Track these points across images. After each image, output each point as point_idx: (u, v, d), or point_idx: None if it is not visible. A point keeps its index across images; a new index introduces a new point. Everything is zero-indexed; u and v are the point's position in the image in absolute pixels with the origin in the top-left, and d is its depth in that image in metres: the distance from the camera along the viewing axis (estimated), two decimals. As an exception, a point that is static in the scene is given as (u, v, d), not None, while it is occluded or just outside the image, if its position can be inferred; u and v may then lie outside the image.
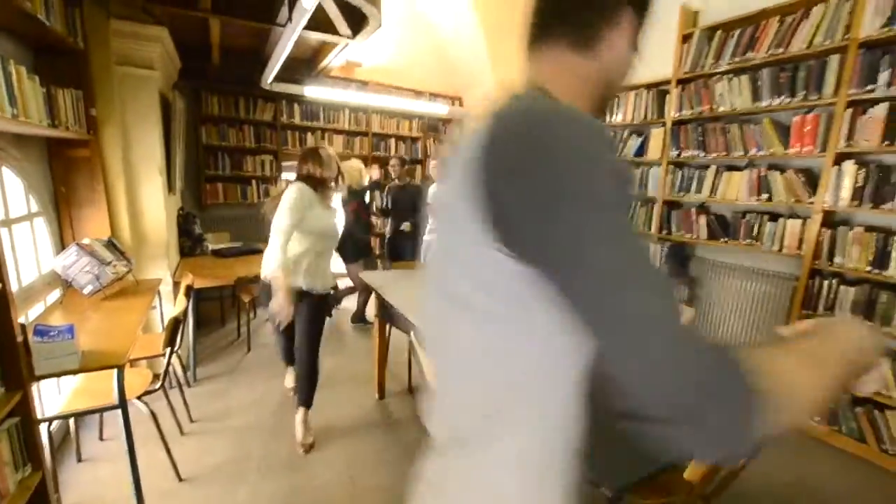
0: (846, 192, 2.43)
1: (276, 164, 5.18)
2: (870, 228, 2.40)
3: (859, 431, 2.42)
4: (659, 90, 3.45)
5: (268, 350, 3.49)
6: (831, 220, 2.58)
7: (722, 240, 3.09)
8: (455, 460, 0.59)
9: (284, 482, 2.06)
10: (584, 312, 0.44)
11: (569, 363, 0.54)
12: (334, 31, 3.05)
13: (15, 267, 2.03)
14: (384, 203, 4.24)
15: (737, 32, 2.88)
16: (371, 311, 3.66)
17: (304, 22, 2.55)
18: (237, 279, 3.31)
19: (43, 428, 1.61)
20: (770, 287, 2.96)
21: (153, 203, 2.95)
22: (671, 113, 3.32)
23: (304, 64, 4.65)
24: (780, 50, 2.65)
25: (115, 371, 1.66)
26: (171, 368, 2.21)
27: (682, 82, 3.24)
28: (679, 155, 3.31)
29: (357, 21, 2.93)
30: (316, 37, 3.19)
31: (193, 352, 3.04)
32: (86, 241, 2.38)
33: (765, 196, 2.81)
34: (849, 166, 2.42)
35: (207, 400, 2.73)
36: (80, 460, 2.13)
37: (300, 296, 2.24)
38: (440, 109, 5.97)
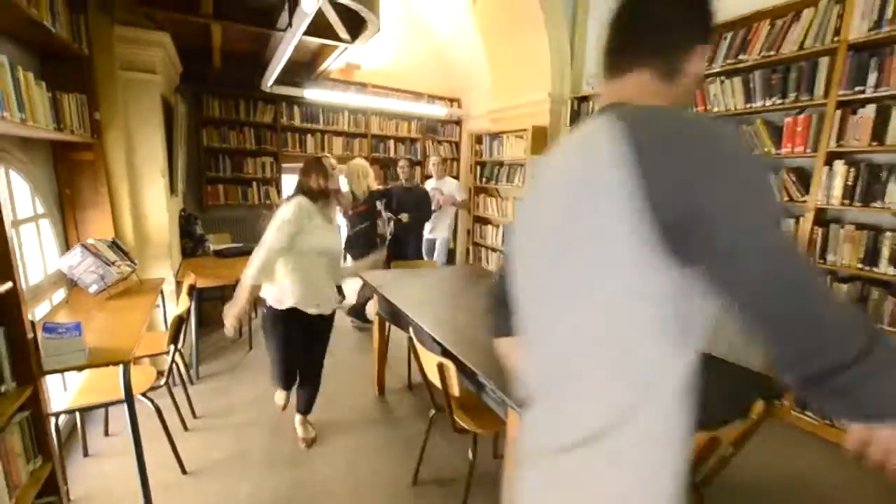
0: (837, 190, 2.48)
1: (276, 165, 5.24)
2: (860, 226, 2.45)
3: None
4: (654, 91, 3.50)
5: (269, 349, 3.53)
6: (823, 219, 2.62)
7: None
8: (588, 454, 0.63)
9: (286, 476, 2.11)
10: (759, 300, 0.53)
11: (691, 351, 0.61)
12: (334, 36, 3.10)
13: (22, 267, 2.07)
14: (392, 205, 4.16)
15: (729, 35, 2.93)
16: (371, 309, 3.70)
17: (304, 27, 2.61)
18: (238, 279, 3.35)
19: (51, 423, 1.65)
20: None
21: (156, 205, 3.00)
22: (666, 114, 3.36)
23: (304, 67, 4.71)
24: (772, 52, 2.69)
25: (121, 367, 1.70)
26: (174, 366, 2.26)
27: (677, 83, 3.28)
28: (674, 155, 3.35)
29: (356, 25, 2.98)
30: (315, 41, 3.24)
31: (196, 350, 3.09)
32: (90, 241, 2.43)
33: (758, 195, 2.86)
34: (839, 166, 2.46)
35: (210, 397, 2.78)
36: (86, 455, 2.18)
37: (316, 320, 2.19)
38: (439, 111, 6.03)
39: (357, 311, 4.08)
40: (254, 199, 5.14)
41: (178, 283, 3.09)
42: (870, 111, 2.32)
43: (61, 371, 1.60)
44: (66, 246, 2.56)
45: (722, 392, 1.54)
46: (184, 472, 2.11)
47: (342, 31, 3.05)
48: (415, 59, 5.92)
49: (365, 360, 3.14)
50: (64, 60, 2.38)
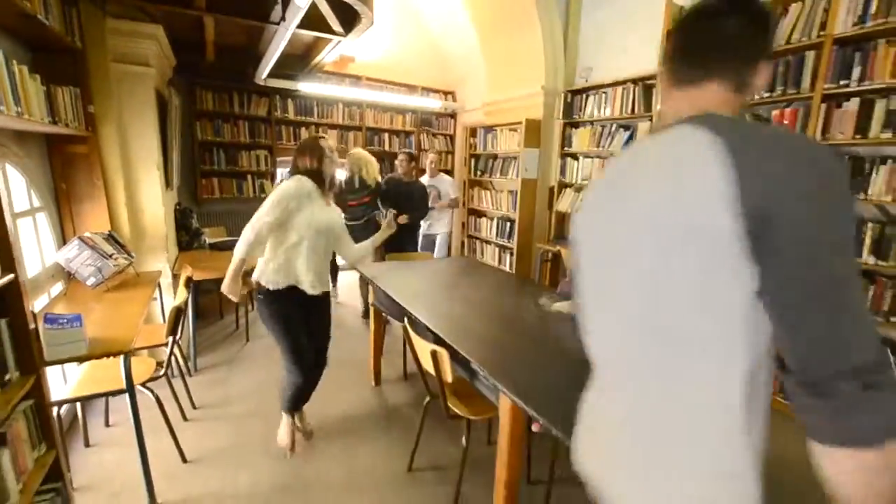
0: (821, 182, 2.53)
1: (270, 158, 5.24)
2: (844, 218, 2.51)
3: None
4: (645, 84, 3.54)
5: (266, 340, 3.56)
6: (808, 210, 2.68)
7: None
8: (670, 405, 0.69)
9: (285, 465, 2.15)
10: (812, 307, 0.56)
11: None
12: (327, 29, 3.11)
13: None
14: (391, 199, 4.13)
15: (719, 28, 2.96)
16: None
17: (297, 20, 2.62)
18: (235, 272, 3.39)
19: (53, 411, 1.69)
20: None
21: (151, 198, 3.01)
22: (658, 107, 3.41)
23: (298, 59, 4.70)
24: (760, 46, 2.74)
25: (121, 357, 1.73)
26: (172, 357, 2.30)
27: (668, 77, 3.32)
28: (665, 148, 3.40)
29: (350, 19, 2.99)
30: (309, 34, 3.25)
31: (194, 342, 3.12)
32: (87, 234, 2.45)
33: (746, 187, 2.91)
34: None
35: (208, 388, 2.82)
36: (87, 445, 2.22)
37: (313, 300, 2.13)
38: (433, 104, 6.04)
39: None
40: (249, 192, 5.15)
41: (175, 276, 3.12)
42: (854, 105, 2.37)
43: (63, 361, 1.63)
44: (63, 239, 2.58)
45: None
46: (184, 460, 2.15)
47: (336, 25, 3.06)
48: (409, 51, 5.92)
49: (361, 351, 3.18)
50: (57, 53, 2.38)
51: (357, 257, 2.35)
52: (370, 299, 2.87)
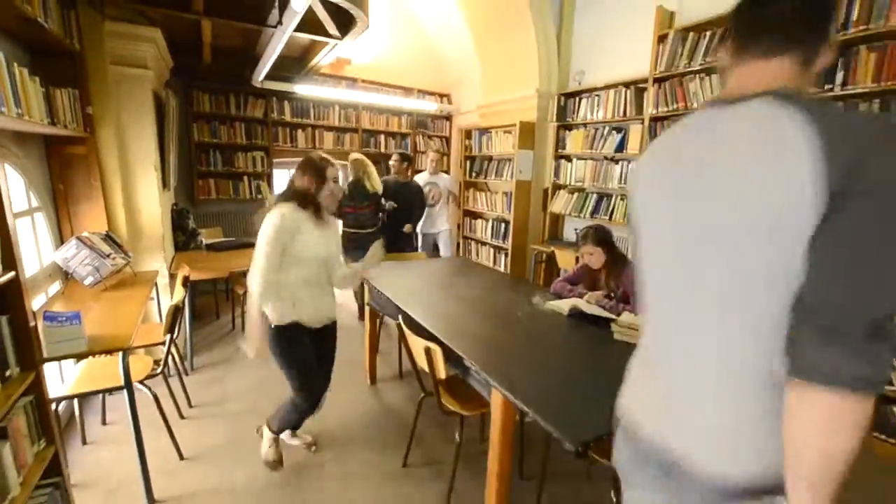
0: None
1: (267, 160, 5.26)
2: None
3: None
4: (637, 88, 3.60)
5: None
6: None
7: (696, 231, 3.25)
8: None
9: (280, 461, 2.18)
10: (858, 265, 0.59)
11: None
12: (323, 32, 3.15)
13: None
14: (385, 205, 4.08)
15: (708, 34, 3.03)
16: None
17: (294, 24, 2.65)
18: (231, 272, 3.42)
19: (52, 407, 1.71)
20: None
21: (148, 198, 3.04)
22: (649, 110, 3.47)
23: (294, 62, 4.73)
24: (748, 50, 2.80)
25: (120, 354, 1.76)
26: (170, 356, 2.32)
27: (659, 80, 3.39)
28: (656, 150, 3.46)
29: (345, 22, 3.03)
30: (305, 37, 3.29)
31: (190, 342, 3.15)
32: (85, 234, 2.47)
33: (735, 189, 2.97)
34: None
35: (205, 387, 2.84)
36: (84, 443, 2.24)
37: (321, 329, 2.05)
38: (429, 106, 6.09)
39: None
40: (245, 193, 5.17)
41: (172, 276, 3.14)
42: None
43: (62, 357, 1.66)
44: (61, 239, 2.60)
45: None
46: (181, 457, 2.17)
47: (332, 28, 3.10)
48: (405, 54, 5.97)
49: (357, 352, 3.21)
50: (56, 56, 2.41)
51: (341, 281, 2.15)
52: (366, 299, 2.90)
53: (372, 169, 3.85)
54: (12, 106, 1.73)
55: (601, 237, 2.30)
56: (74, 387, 1.96)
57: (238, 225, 5.10)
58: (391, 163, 4.29)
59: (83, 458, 2.14)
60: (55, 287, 2.47)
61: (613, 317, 1.96)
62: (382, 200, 3.96)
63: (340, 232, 2.16)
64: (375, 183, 3.84)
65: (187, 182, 4.85)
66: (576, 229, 4.46)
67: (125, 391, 1.84)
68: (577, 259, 3.52)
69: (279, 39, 3.06)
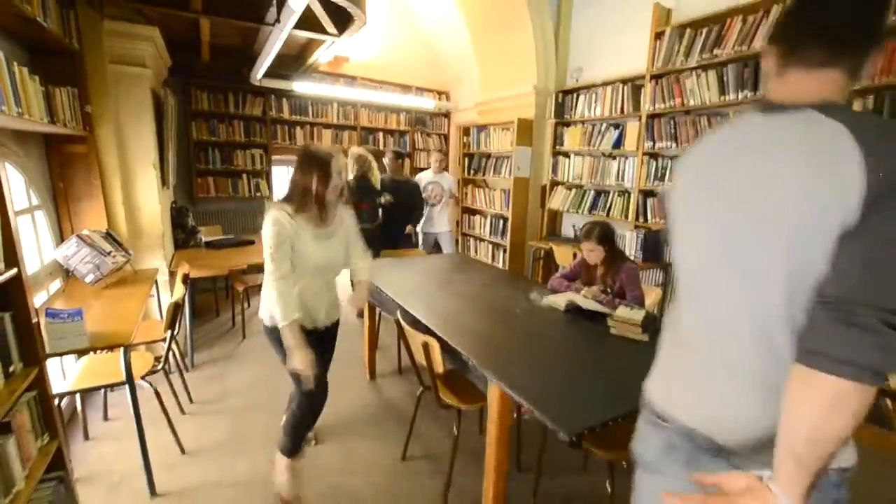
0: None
1: (266, 157, 5.28)
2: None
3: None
4: (634, 85, 3.61)
5: (262, 337, 3.59)
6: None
7: (693, 227, 3.27)
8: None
9: (281, 455, 2.21)
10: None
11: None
12: (321, 30, 3.16)
13: (20, 257, 2.14)
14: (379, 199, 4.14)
15: (704, 30, 3.04)
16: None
17: (292, 22, 2.67)
18: (230, 269, 3.44)
19: (55, 402, 1.74)
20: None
21: (148, 196, 3.05)
22: (646, 107, 3.48)
23: (293, 59, 4.74)
24: (744, 47, 2.81)
25: (121, 350, 1.78)
26: (170, 352, 2.34)
27: (656, 77, 3.40)
28: (654, 146, 3.48)
29: (343, 19, 3.04)
30: (303, 35, 3.30)
31: (191, 339, 3.17)
32: (85, 232, 2.49)
33: (731, 185, 2.99)
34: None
35: (206, 383, 2.87)
36: (87, 439, 2.27)
37: (320, 334, 1.92)
38: (427, 103, 6.10)
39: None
40: (244, 191, 5.19)
41: (172, 274, 3.16)
42: (832, 104, 2.45)
43: (65, 353, 1.68)
44: (61, 237, 2.62)
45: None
46: (183, 452, 2.20)
47: (329, 26, 3.11)
48: (403, 51, 5.97)
49: (357, 348, 3.24)
50: (55, 55, 2.42)
51: (358, 273, 2.09)
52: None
53: (374, 164, 3.86)
54: (12, 105, 1.74)
55: (604, 235, 2.29)
56: (76, 382, 1.99)
57: (237, 223, 5.12)
58: (386, 161, 4.30)
59: (86, 453, 2.17)
60: (56, 284, 2.49)
61: (609, 311, 1.99)
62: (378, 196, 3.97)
63: (351, 223, 2.01)
64: (376, 179, 3.85)
65: (186, 180, 4.87)
66: (574, 225, 4.48)
67: (127, 387, 1.87)
68: (574, 255, 3.54)
69: (277, 37, 3.07)
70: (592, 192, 4.11)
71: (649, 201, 3.57)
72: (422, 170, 6.38)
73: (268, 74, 4.49)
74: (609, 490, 1.59)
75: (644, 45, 3.45)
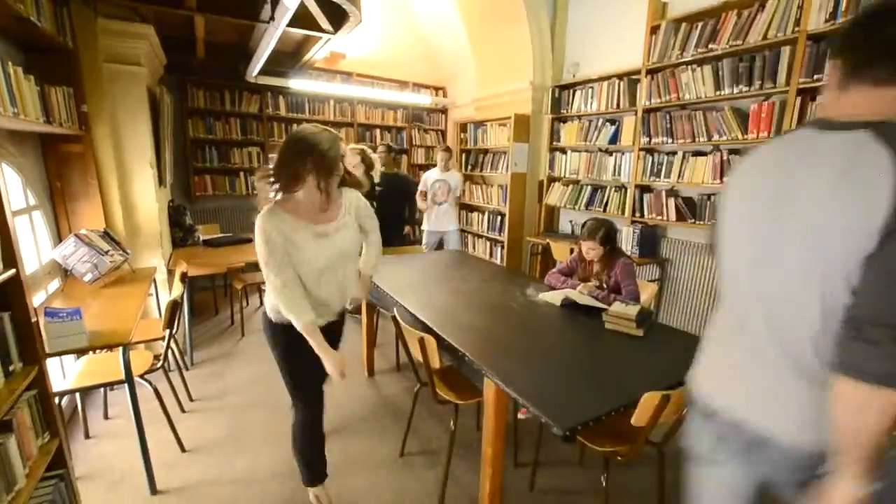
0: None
1: (263, 155, 5.27)
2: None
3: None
4: (630, 79, 3.61)
5: (261, 335, 3.60)
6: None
7: (689, 221, 3.29)
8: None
9: (281, 451, 2.22)
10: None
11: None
12: (316, 27, 3.15)
13: (18, 257, 2.14)
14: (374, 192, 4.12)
15: (700, 24, 3.04)
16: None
17: (286, 20, 2.66)
18: (229, 267, 3.45)
19: (55, 401, 1.75)
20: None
21: (145, 195, 3.05)
22: (642, 101, 3.49)
23: (289, 57, 4.72)
24: (739, 41, 2.82)
25: (120, 349, 1.79)
26: (170, 350, 2.36)
27: (652, 72, 3.40)
28: (650, 141, 3.49)
29: (338, 17, 3.03)
30: (298, 32, 3.29)
31: (190, 337, 3.18)
32: (83, 231, 2.49)
33: (727, 179, 2.99)
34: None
35: (205, 381, 2.89)
36: (87, 437, 2.29)
37: (332, 327, 1.77)
38: (424, 100, 6.08)
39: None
40: (241, 188, 5.18)
41: (170, 272, 3.17)
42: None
43: (64, 353, 1.69)
44: (59, 237, 2.62)
45: (683, 356, 1.69)
46: (183, 450, 2.22)
47: (324, 23, 3.10)
48: (400, 47, 5.95)
49: (355, 345, 3.25)
50: (50, 53, 2.41)
51: (365, 267, 1.95)
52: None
53: (377, 162, 3.84)
54: (8, 105, 1.75)
55: (608, 236, 2.28)
56: (76, 381, 2.00)
57: (235, 221, 5.12)
58: (378, 155, 4.25)
59: (86, 452, 2.19)
60: (55, 284, 2.50)
61: (605, 307, 2.00)
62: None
63: (363, 206, 1.80)
64: (376, 174, 3.85)
65: (183, 178, 4.86)
66: (571, 221, 4.50)
67: (126, 385, 1.88)
68: (571, 250, 3.55)
69: (272, 35, 3.06)
70: (589, 187, 4.12)
71: (646, 196, 3.58)
72: (420, 166, 6.43)
73: (264, 72, 4.48)
74: (604, 483, 1.61)
75: (640, 39, 3.44)
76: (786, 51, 2.62)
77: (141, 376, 2.06)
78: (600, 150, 3.99)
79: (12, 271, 1.43)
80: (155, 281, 2.96)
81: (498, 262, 4.92)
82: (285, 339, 1.69)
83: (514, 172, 4.57)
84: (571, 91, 4.21)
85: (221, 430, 2.40)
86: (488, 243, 5.25)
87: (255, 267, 3.51)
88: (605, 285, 2.32)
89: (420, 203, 4.40)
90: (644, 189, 3.62)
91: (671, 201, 3.38)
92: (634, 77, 3.57)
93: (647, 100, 3.45)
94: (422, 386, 2.07)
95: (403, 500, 1.96)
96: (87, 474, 2.04)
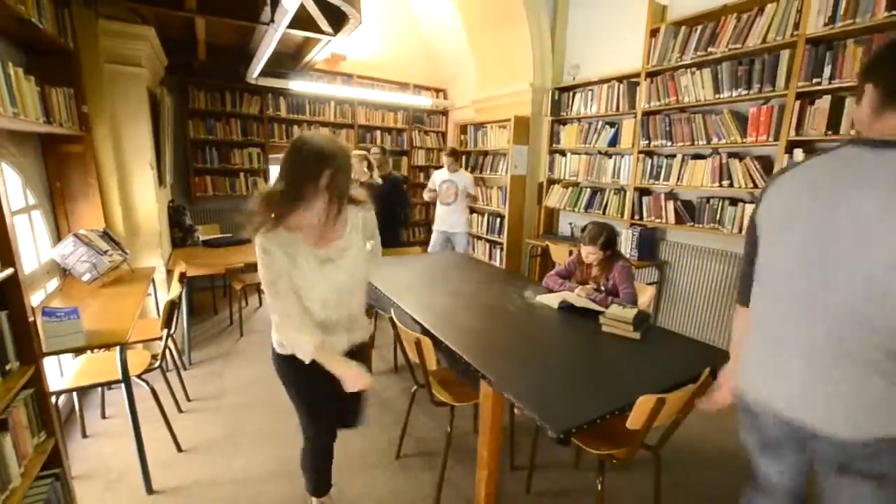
0: (796, 177, 2.62)
1: (263, 156, 5.28)
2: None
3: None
4: (630, 82, 3.62)
5: (260, 336, 3.64)
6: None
7: (688, 224, 3.28)
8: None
9: (278, 452, 2.22)
10: None
11: None
12: (316, 29, 3.16)
13: (17, 257, 2.15)
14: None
15: (699, 28, 3.05)
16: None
17: (286, 22, 2.67)
18: (228, 268, 3.46)
19: (52, 400, 1.75)
20: (731, 267, 3.17)
21: (145, 196, 3.06)
22: (641, 104, 3.49)
23: (289, 58, 4.74)
24: (738, 45, 2.82)
25: (117, 348, 1.80)
26: (168, 350, 2.36)
27: (651, 75, 3.41)
28: (649, 144, 3.49)
29: (338, 19, 3.04)
30: (298, 34, 3.30)
31: (188, 337, 3.19)
32: (82, 231, 2.50)
33: (726, 182, 3.00)
34: (799, 153, 2.61)
35: (203, 381, 2.89)
36: (84, 436, 2.29)
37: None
38: (424, 101, 6.10)
39: None
40: (241, 189, 5.19)
41: (169, 272, 3.17)
42: (825, 102, 2.46)
43: (61, 352, 1.70)
44: (58, 236, 2.63)
45: (679, 360, 1.69)
46: (179, 450, 2.22)
47: (324, 25, 3.11)
48: (400, 49, 5.97)
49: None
50: (50, 54, 2.42)
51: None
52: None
53: (374, 166, 3.86)
54: (8, 105, 1.75)
55: (609, 241, 2.28)
56: (73, 380, 2.00)
57: (235, 221, 5.12)
58: (370, 156, 4.26)
59: (84, 451, 2.19)
60: (54, 283, 2.51)
61: (602, 309, 2.00)
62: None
63: (369, 219, 1.59)
64: (376, 176, 3.86)
65: (184, 179, 4.88)
66: (570, 223, 4.50)
67: (123, 385, 1.88)
68: (570, 252, 3.55)
69: (272, 37, 3.07)
70: (588, 189, 4.12)
71: (645, 199, 3.58)
72: (420, 168, 6.44)
73: (264, 73, 4.49)
74: (599, 487, 1.61)
75: (639, 42, 3.45)
76: (785, 54, 2.62)
77: (138, 376, 2.06)
78: (600, 152, 4.00)
79: (10, 270, 1.43)
80: (154, 281, 2.97)
81: (497, 264, 4.92)
82: (293, 370, 1.48)
83: (514, 174, 4.58)
84: (571, 93, 4.22)
85: (218, 430, 2.40)
86: (487, 245, 5.25)
87: (253, 268, 3.54)
88: (603, 288, 2.32)
89: (426, 195, 4.62)
90: (643, 192, 3.62)
91: (670, 204, 3.38)
92: (634, 80, 3.58)
93: (646, 102, 3.45)
94: (418, 387, 2.07)
95: (399, 501, 1.96)
96: (84, 473, 2.04)
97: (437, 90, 6.37)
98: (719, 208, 3.07)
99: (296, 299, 1.38)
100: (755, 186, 2.84)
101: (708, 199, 3.17)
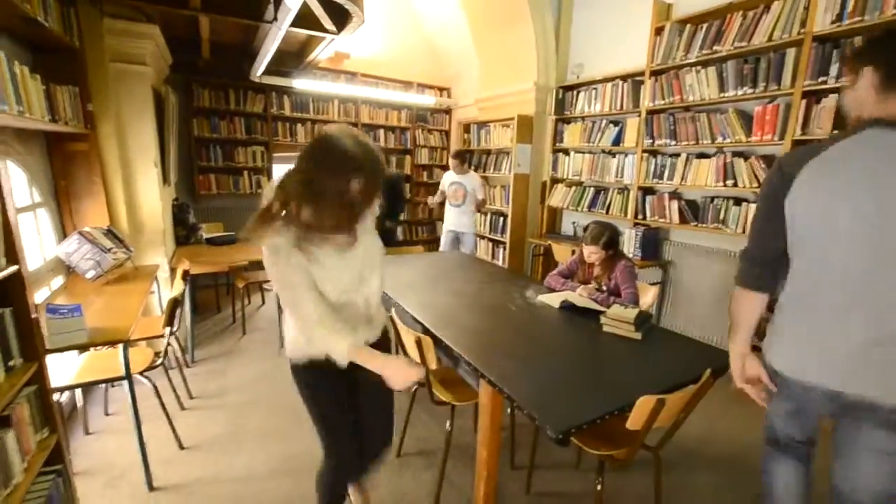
0: (801, 177, 2.60)
1: (267, 154, 5.30)
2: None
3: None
4: (634, 81, 3.60)
5: (262, 334, 3.66)
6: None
7: (692, 224, 3.26)
8: None
9: (280, 449, 2.23)
10: None
11: None
12: (319, 27, 3.16)
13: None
14: None
15: (704, 26, 3.02)
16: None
17: (289, 20, 2.67)
18: (231, 266, 3.47)
19: (54, 397, 1.76)
20: (735, 267, 3.14)
21: (149, 194, 3.08)
22: (645, 103, 3.47)
23: (293, 56, 4.75)
24: (744, 43, 2.80)
25: (120, 346, 1.81)
26: (170, 348, 2.37)
27: (656, 73, 3.39)
28: (653, 143, 3.47)
29: (342, 17, 3.04)
30: (302, 32, 3.30)
31: (191, 335, 3.21)
32: (86, 229, 2.52)
33: (730, 182, 2.98)
34: (804, 153, 2.58)
35: (206, 379, 2.90)
36: (87, 433, 2.30)
37: (355, 371, 1.32)
38: (428, 100, 6.09)
39: None
40: (245, 188, 5.21)
41: (173, 270, 3.19)
42: (831, 101, 2.43)
43: (64, 349, 1.71)
44: (63, 234, 2.65)
45: (680, 360, 1.68)
46: (181, 447, 2.23)
47: (328, 23, 3.11)
48: (404, 47, 5.97)
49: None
50: (56, 53, 2.44)
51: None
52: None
53: None
54: (14, 104, 1.76)
55: (611, 241, 2.27)
56: (76, 377, 2.02)
57: (238, 219, 5.09)
58: None
59: (87, 448, 2.20)
60: (58, 281, 2.53)
61: (603, 309, 1.99)
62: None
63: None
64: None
65: (188, 177, 4.90)
66: (574, 223, 4.48)
67: (126, 382, 1.89)
68: (573, 252, 3.54)
69: (275, 35, 3.08)
70: (592, 189, 4.11)
71: (648, 198, 3.56)
72: (423, 166, 6.44)
73: (268, 71, 4.50)
74: (598, 487, 1.60)
75: (644, 40, 3.43)
76: (791, 52, 2.60)
77: (141, 373, 2.08)
78: (603, 151, 3.98)
79: (14, 267, 1.44)
80: (157, 279, 2.99)
81: (500, 263, 4.91)
82: (309, 379, 1.44)
83: (517, 173, 4.56)
84: (575, 92, 4.20)
85: (221, 427, 2.41)
86: (490, 244, 5.24)
87: (257, 266, 3.55)
88: (604, 288, 2.31)
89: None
90: (647, 191, 3.60)
91: (674, 204, 3.35)
92: (638, 78, 3.56)
93: (650, 101, 3.43)
94: (419, 386, 2.07)
95: (400, 500, 1.96)
96: (87, 470, 2.05)
97: (441, 89, 6.36)
98: (723, 208, 3.05)
99: (321, 298, 1.26)
100: (760, 186, 2.82)
101: (712, 199, 3.15)
